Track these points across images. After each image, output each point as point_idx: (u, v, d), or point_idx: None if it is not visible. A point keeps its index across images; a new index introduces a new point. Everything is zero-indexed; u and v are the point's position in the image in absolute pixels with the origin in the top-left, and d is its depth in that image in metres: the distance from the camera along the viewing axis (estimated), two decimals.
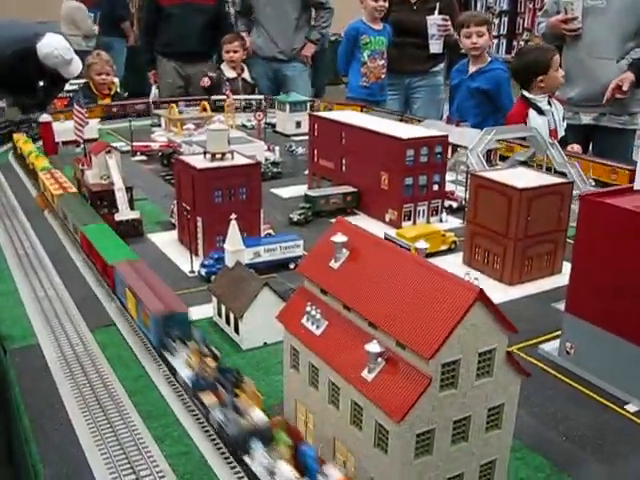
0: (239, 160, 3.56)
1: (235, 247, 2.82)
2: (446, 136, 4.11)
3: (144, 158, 5.57)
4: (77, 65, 5.77)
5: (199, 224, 3.45)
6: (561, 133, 5.65)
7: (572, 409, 2.38)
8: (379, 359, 1.69)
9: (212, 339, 2.75)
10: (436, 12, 7.07)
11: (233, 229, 2.80)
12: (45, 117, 5.54)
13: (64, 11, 11.29)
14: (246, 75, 7.86)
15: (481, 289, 1.59)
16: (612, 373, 2.44)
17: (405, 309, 1.69)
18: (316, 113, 4.63)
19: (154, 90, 8.38)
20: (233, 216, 2.78)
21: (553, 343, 2.73)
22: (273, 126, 6.70)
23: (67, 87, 7.51)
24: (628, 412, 2.34)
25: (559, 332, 2.71)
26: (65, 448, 2.03)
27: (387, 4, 7.04)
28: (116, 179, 3.82)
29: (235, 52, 7.61)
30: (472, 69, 6.32)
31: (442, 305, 1.62)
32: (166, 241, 3.81)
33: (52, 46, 5.57)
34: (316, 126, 4.64)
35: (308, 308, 1.93)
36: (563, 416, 2.33)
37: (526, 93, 5.67)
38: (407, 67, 7.64)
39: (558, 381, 2.55)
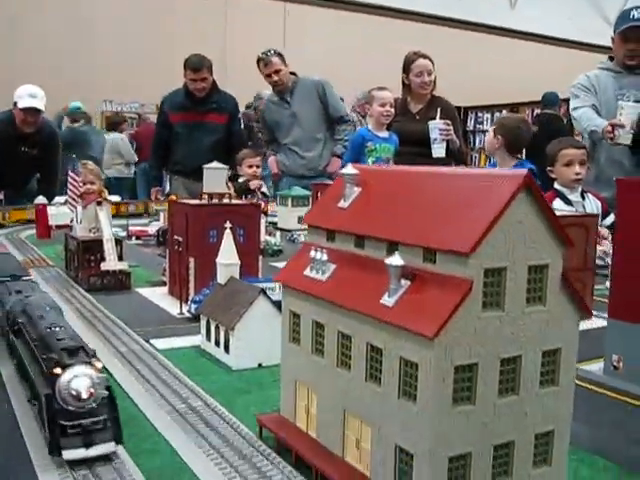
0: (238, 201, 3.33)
1: (229, 260, 2.50)
2: None
3: (140, 242, 5.33)
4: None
5: (191, 265, 3.15)
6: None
7: (633, 423, 1.96)
8: (402, 280, 1.35)
9: (198, 365, 2.37)
10: (437, 117, 7.14)
11: (227, 239, 2.50)
12: (40, 199, 5.38)
13: (108, 142, 11.81)
14: (265, 189, 7.77)
15: (528, 173, 1.29)
16: None
17: (434, 218, 1.38)
18: (320, 182, 4.46)
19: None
20: (228, 225, 2.49)
21: (596, 364, 2.34)
22: (275, 224, 6.54)
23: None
24: None
25: (601, 359, 2.34)
26: None
27: (393, 110, 7.11)
28: (106, 230, 3.56)
29: (258, 167, 7.59)
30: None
31: (481, 201, 1.31)
32: (155, 293, 3.48)
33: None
34: (319, 195, 4.46)
35: (312, 253, 1.60)
36: (622, 424, 1.92)
37: (556, 184, 5.49)
38: None
39: (609, 399, 2.14)
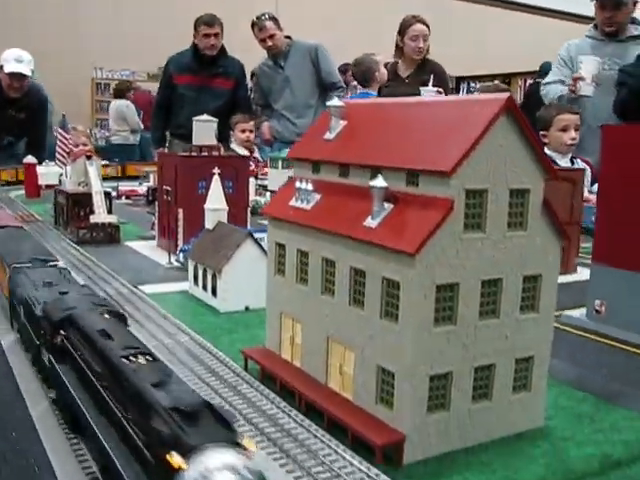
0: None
1: (217, 205, 2.51)
2: None
3: (130, 202, 5.32)
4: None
5: (180, 216, 3.15)
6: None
7: (612, 360, 2.00)
8: (385, 203, 1.36)
9: (186, 307, 2.39)
10: (430, 84, 7.07)
11: (215, 185, 2.51)
12: (29, 159, 5.35)
13: (114, 108, 11.71)
14: (257, 155, 7.75)
15: (510, 97, 1.30)
16: None
17: (417, 144, 1.39)
18: None
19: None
20: (216, 170, 2.49)
21: (579, 310, 2.37)
22: (265, 187, 6.51)
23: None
24: None
25: (584, 307, 2.37)
26: None
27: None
28: (95, 183, 3.56)
29: (251, 132, 7.54)
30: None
31: (462, 125, 1.31)
32: (144, 246, 3.49)
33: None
34: None
35: (298, 184, 1.61)
36: (603, 364, 1.95)
37: (546, 149, 5.47)
38: None
39: (591, 342, 2.17)
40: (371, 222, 1.35)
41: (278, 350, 1.73)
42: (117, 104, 11.92)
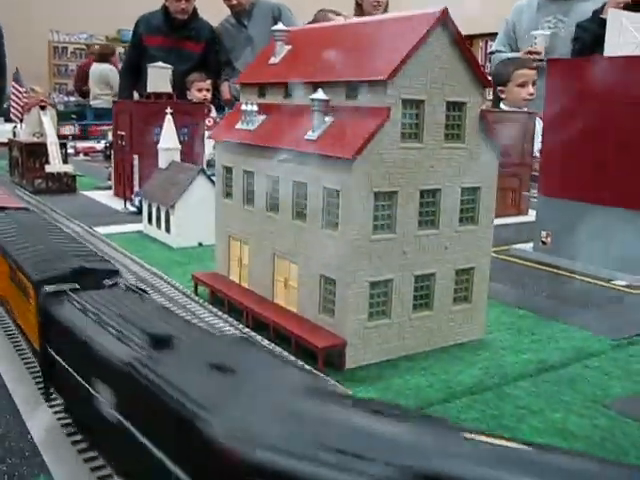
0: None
1: (170, 144, 2.51)
2: None
3: (88, 158, 5.26)
4: None
5: (135, 162, 3.13)
6: (536, 146, 5.33)
7: (556, 285, 2.08)
8: (326, 117, 1.39)
9: (139, 244, 2.39)
10: None
11: (168, 125, 2.50)
12: None
13: (97, 72, 11.42)
14: (214, 114, 7.68)
15: (445, 10, 1.33)
16: (593, 254, 2.15)
17: (356, 59, 1.41)
18: None
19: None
20: (169, 110, 2.48)
21: (527, 244, 2.45)
22: None
23: None
24: (617, 285, 2.05)
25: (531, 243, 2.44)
26: None
27: None
28: (50, 133, 3.51)
29: (208, 90, 7.45)
30: None
31: (399, 38, 1.34)
32: (101, 195, 3.48)
33: None
34: None
35: (243, 106, 1.63)
36: (546, 288, 2.03)
37: (502, 104, 5.54)
38: None
39: (538, 271, 2.24)
40: (311, 135, 1.38)
41: (227, 273, 1.76)
42: (100, 68, 11.65)
